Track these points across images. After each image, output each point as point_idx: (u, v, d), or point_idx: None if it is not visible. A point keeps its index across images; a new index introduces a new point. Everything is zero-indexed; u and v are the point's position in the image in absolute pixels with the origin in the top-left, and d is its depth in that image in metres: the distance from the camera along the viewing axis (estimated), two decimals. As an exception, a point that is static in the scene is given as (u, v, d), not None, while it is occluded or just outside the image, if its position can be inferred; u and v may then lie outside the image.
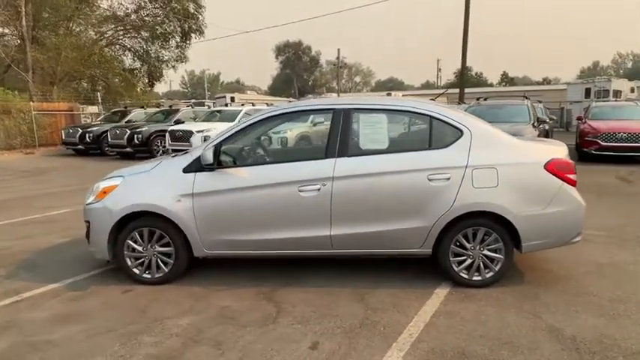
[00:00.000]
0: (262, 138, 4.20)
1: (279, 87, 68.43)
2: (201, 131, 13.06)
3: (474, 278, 3.66)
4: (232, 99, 36.14)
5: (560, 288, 3.63)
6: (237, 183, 3.68)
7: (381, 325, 3.10)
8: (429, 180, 3.54)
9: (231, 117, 14.40)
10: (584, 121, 12.25)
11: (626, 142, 10.63)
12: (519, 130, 8.00)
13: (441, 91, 24.33)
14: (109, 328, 3.14)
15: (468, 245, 3.63)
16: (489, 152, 3.58)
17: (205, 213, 3.69)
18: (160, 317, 3.29)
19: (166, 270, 3.87)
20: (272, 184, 3.65)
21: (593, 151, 10.78)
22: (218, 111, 15.87)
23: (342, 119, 3.71)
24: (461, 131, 3.64)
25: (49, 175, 11.20)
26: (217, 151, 3.67)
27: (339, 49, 34.89)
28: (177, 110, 16.83)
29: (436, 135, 3.68)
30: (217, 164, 3.67)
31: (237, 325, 3.15)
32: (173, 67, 24.80)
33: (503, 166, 3.53)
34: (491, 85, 50.40)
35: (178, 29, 23.25)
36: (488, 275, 3.65)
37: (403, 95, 28.49)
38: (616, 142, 10.70)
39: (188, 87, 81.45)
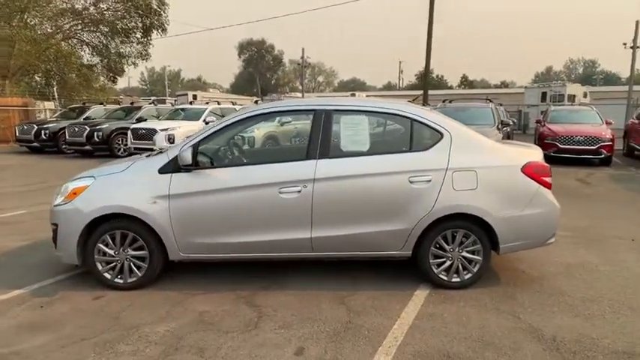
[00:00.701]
0: (239, 138, 4.09)
1: (242, 85, 67.60)
2: (166, 129, 12.67)
3: (453, 280, 3.71)
4: (195, 97, 35.34)
5: (535, 288, 3.75)
6: (215, 184, 3.57)
7: (365, 329, 3.08)
8: (410, 182, 3.56)
9: (195, 115, 14.10)
10: (543, 124, 12.79)
11: (582, 145, 11.18)
12: (484, 132, 8.21)
13: (417, 92, 24.77)
14: (82, 336, 2.97)
15: (447, 247, 3.68)
16: (469, 155, 3.65)
17: (182, 215, 3.56)
18: (136, 324, 3.14)
19: (140, 274, 3.70)
20: (252, 185, 3.56)
21: (552, 154, 11.26)
22: (182, 109, 15.46)
23: (324, 120, 3.67)
24: (441, 134, 3.68)
25: (2, 174, 10.53)
26: (195, 151, 3.55)
27: (303, 49, 34.80)
28: (139, 107, 16.25)
29: (417, 137, 3.72)
30: (195, 165, 3.55)
31: (218, 331, 3.05)
32: (134, 63, 23.96)
33: (482, 168, 3.60)
34: (451, 88, 51.83)
35: (140, 25, 22.44)
36: (466, 277, 3.71)
37: (367, 96, 28.93)
38: (573, 145, 11.23)
39: (147, 84, 79.06)
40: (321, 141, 3.63)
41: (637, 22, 19.70)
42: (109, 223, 3.61)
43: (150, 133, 12.70)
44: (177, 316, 3.27)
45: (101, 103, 18.18)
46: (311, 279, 3.91)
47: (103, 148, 13.81)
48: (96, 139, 13.72)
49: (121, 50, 23.04)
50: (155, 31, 22.70)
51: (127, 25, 22.36)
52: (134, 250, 3.67)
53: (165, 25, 22.69)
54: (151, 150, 12.83)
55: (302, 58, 35.64)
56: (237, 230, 3.62)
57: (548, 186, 3.70)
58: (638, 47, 19.29)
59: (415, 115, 3.74)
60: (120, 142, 14.00)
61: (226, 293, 3.66)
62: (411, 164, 3.60)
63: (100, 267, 3.70)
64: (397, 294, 3.63)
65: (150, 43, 23.24)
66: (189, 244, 3.64)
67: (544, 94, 22.43)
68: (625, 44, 19.98)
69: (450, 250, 3.68)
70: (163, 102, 24.84)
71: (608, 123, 12.31)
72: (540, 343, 2.89)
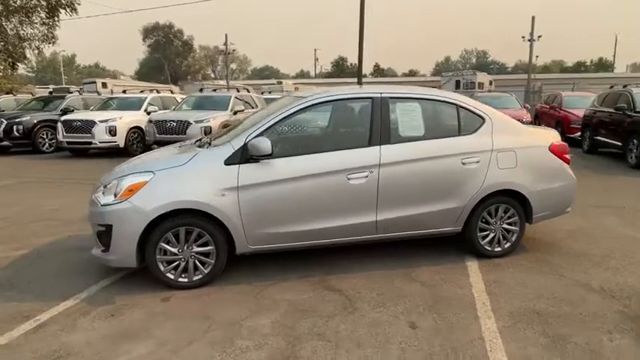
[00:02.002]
0: (301, 126, 4.06)
1: (148, 72, 63.43)
2: (106, 121, 11.67)
3: (495, 250, 4.15)
4: (104, 84, 32.54)
5: (558, 252, 4.33)
6: (285, 173, 3.56)
7: (451, 299, 3.36)
8: (463, 163, 3.90)
9: (132, 105, 13.13)
10: None
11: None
12: None
13: (335, 80, 25.30)
14: (187, 339, 2.84)
15: (491, 220, 4.09)
16: (508, 137, 4.08)
17: (251, 206, 3.50)
18: (234, 319, 3.07)
19: (206, 271, 3.57)
20: (321, 172, 3.62)
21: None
22: (114, 99, 14.24)
23: (382, 107, 3.83)
24: (483, 118, 4.06)
25: None
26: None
27: (226, 35, 33.62)
28: (62, 97, 14.63)
29: (463, 122, 4.05)
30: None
31: (322, 316, 3.12)
32: (38, 48, 21.21)
33: (520, 149, 4.05)
34: (365, 76, 53.85)
35: (44, 3, 19.89)
36: (506, 246, 4.17)
37: (295, 84, 29.04)
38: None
39: (36, 71, 70.50)
40: (382, 128, 3.80)
41: (533, 17, 22.35)
42: (171, 220, 3.42)
43: (87, 126, 11.57)
44: (270, 306, 3.26)
45: (9, 93, 15.99)
46: (368, 261, 4.07)
47: (25, 143, 12.31)
48: (16, 133, 12.17)
49: (21, 32, 20.24)
50: (63, 11, 20.25)
51: (26, 2, 19.68)
52: (199, 246, 3.53)
53: (76, 3, 20.35)
54: (89, 144, 11.85)
55: (225, 44, 34.37)
56: (306, 218, 3.66)
57: (567, 162, 4.26)
58: (534, 40, 21.91)
59: (460, 101, 4.07)
60: (45, 136, 12.57)
61: (297, 281, 3.69)
62: (462, 147, 3.93)
63: (162, 267, 3.50)
64: (453, 267, 3.97)
65: (57, 25, 20.73)
66: (258, 236, 3.60)
67: (458, 82, 24.50)
68: (523, 37, 22.56)
69: (493, 223, 4.10)
70: (67, 91, 22.42)
71: (525, 107, 13.93)
72: (596, 294, 3.42)
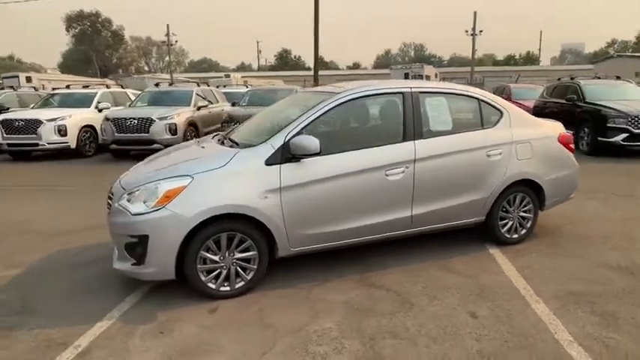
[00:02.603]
0: (336, 123, 3.94)
1: (74, 65, 58.93)
2: (54, 120, 10.72)
3: (513, 237, 4.35)
4: (28, 79, 30.01)
5: (566, 235, 4.63)
6: (326, 172, 3.48)
7: (494, 286, 3.49)
8: (488, 156, 4.03)
9: (80, 102, 12.17)
10: None
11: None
12: None
13: (279, 73, 25.04)
14: (257, 351, 2.71)
15: (510, 209, 4.28)
16: (524, 129, 4.27)
17: (294, 208, 3.39)
18: (297, 326, 2.97)
19: (248, 277, 3.42)
20: (361, 170, 3.58)
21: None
22: (55, 95, 13.06)
23: (413, 102, 3.86)
24: (501, 112, 4.22)
25: None
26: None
27: (168, 25, 31.78)
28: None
29: (485, 116, 4.18)
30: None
31: (384, 314, 3.10)
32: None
33: (534, 140, 4.27)
34: (309, 69, 53.79)
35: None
36: (522, 233, 4.39)
37: (243, 77, 28.36)
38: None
39: None
40: (415, 122, 3.82)
41: (475, 12, 23.55)
42: (213, 226, 3.22)
43: (31, 125, 10.57)
44: (326, 309, 3.19)
45: None
46: (399, 255, 4.09)
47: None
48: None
49: None
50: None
51: None
52: (241, 252, 3.36)
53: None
54: (35, 146, 10.79)
55: (167, 35, 32.57)
56: (346, 217, 3.61)
57: (572, 151, 4.55)
58: (476, 34, 23.11)
59: (481, 95, 4.20)
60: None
61: (339, 281, 3.64)
62: (486, 140, 4.06)
63: (203, 277, 3.29)
64: (478, 255, 4.11)
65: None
66: (299, 238, 3.49)
67: (406, 75, 25.27)
68: (467, 31, 23.72)
69: (512, 212, 4.29)
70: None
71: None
72: (616, 272, 3.70)
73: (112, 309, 3.24)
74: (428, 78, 24.88)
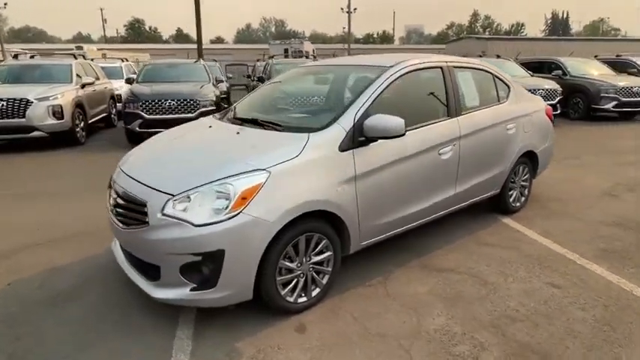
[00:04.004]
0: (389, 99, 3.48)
1: None
2: (45, 98, 8.36)
3: (516, 205, 4.62)
4: None
5: (548, 199, 5.08)
6: (394, 154, 3.15)
7: (543, 255, 3.64)
8: (507, 130, 4.15)
9: (51, 75, 9.52)
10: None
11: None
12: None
13: (133, 46, 22.47)
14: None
15: (515, 180, 4.51)
16: (525, 103, 4.49)
17: (367, 197, 3.01)
18: (411, 327, 2.67)
19: (323, 282, 2.95)
20: (423, 150, 3.34)
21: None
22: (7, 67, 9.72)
23: (450, 77, 3.72)
24: (509, 87, 4.36)
25: None
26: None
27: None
28: None
29: (499, 90, 4.26)
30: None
31: (478, 298, 2.98)
32: None
33: (533, 113, 4.53)
34: (167, 42, 49.45)
35: None
36: (522, 201, 4.69)
37: (99, 49, 24.62)
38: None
39: None
40: (455, 98, 3.69)
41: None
42: (292, 228, 2.66)
43: (19, 107, 8.07)
44: (420, 304, 2.93)
45: None
46: (427, 236, 3.97)
47: None
48: None
49: None
50: None
51: None
52: (316, 254, 2.87)
53: None
54: (25, 131, 7.88)
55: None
56: (409, 201, 3.35)
57: (552, 122, 4.97)
58: (351, 12, 23.86)
59: (493, 70, 4.25)
60: None
61: (401, 270, 3.40)
62: (505, 114, 4.16)
63: (282, 291, 2.73)
64: (498, 226, 4.28)
65: None
66: (370, 230, 3.13)
67: (286, 50, 24.91)
68: (342, 9, 24.30)
69: (516, 182, 4.53)
70: None
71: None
72: (620, 228, 4.20)
73: (171, 353, 2.48)
74: (307, 54, 24.96)
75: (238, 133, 3.14)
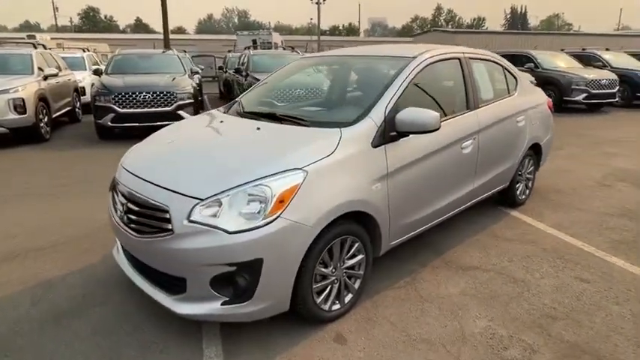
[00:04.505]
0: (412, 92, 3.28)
1: None
2: (6, 91, 7.64)
3: (522, 197, 4.59)
4: None
5: (547, 190, 5.10)
6: (423, 150, 3.00)
7: (562, 249, 3.61)
8: (517, 122, 4.09)
9: (10, 66, 8.68)
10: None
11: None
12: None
13: (88, 35, 21.33)
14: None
15: (522, 172, 4.48)
16: (531, 95, 4.46)
17: (397, 195, 2.85)
18: (453, 331, 2.54)
19: (355, 288, 2.77)
20: (448, 144, 3.21)
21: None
22: None
23: (468, 69, 3.60)
24: (516, 79, 4.30)
25: None
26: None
27: None
28: None
29: (509, 82, 4.19)
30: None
31: (512, 297, 2.90)
32: None
33: (538, 105, 4.50)
34: (124, 32, 47.24)
35: None
36: (527, 193, 4.67)
37: (52, 38, 23.02)
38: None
39: None
40: (473, 90, 3.58)
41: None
42: (329, 231, 2.46)
43: None
44: (457, 305, 2.81)
45: None
46: (439, 235, 3.86)
47: None
48: None
49: None
50: None
51: None
52: (349, 258, 2.69)
53: None
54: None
55: None
56: (434, 197, 3.22)
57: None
58: (320, 3, 23.54)
59: (502, 61, 4.17)
60: None
61: (427, 270, 3.27)
62: (515, 107, 4.10)
63: (317, 299, 2.53)
64: (508, 219, 4.25)
65: None
66: (397, 229, 2.97)
67: (254, 41, 24.20)
68: (311, 0, 23.92)
69: (523, 174, 4.50)
70: None
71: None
72: (624, 218, 4.25)
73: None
74: (276, 45, 24.46)
75: (259, 128, 2.88)
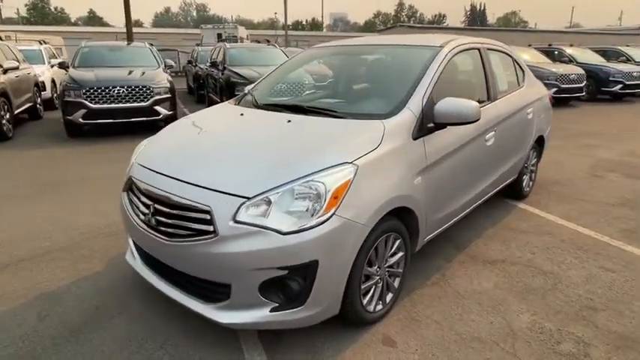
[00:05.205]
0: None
1: None
2: None
3: (527, 189, 4.63)
4: None
5: (544, 182, 5.18)
6: (456, 141, 2.92)
7: (578, 240, 3.64)
8: (527, 114, 4.10)
9: None
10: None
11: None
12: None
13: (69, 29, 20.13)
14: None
15: (528, 164, 4.50)
16: (536, 87, 4.49)
17: (433, 189, 2.75)
18: (500, 328, 2.47)
19: (396, 286, 2.65)
20: (476, 136, 3.15)
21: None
22: None
23: (486, 59, 3.55)
24: (524, 70, 4.31)
25: None
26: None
27: None
28: None
29: (518, 74, 4.19)
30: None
31: (547, 290, 2.87)
32: None
33: (542, 98, 4.54)
34: (77, 24, 44.85)
35: None
36: (531, 184, 4.71)
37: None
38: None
39: None
40: (492, 82, 3.54)
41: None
42: (376, 229, 2.32)
43: None
44: (495, 300, 2.75)
45: None
46: (456, 229, 3.79)
47: None
48: None
49: None
50: None
51: None
52: (391, 256, 2.56)
53: None
54: None
55: None
56: (460, 191, 3.14)
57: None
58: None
59: (513, 53, 4.16)
60: None
61: (454, 265, 3.21)
62: (525, 99, 4.10)
63: (364, 300, 2.39)
64: (517, 211, 4.27)
65: None
66: (431, 224, 2.87)
67: (220, 35, 23.60)
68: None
69: (528, 167, 4.53)
70: None
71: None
72: (625, 208, 4.36)
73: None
74: (242, 39, 23.94)
75: (289, 121, 2.70)
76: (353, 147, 2.31)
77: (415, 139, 2.58)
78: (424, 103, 2.67)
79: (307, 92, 3.87)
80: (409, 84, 2.79)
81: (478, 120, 2.67)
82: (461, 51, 3.22)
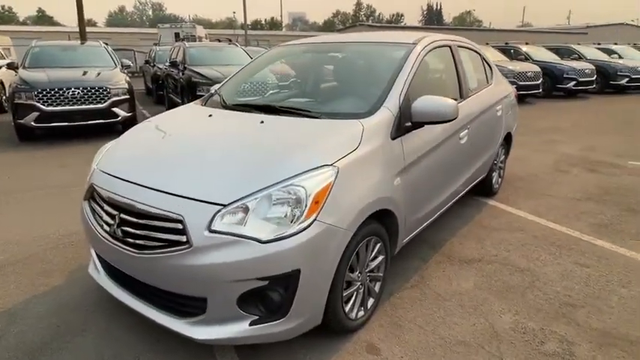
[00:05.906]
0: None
1: None
2: None
3: (496, 186, 4.67)
4: None
5: (523, 178, 5.26)
6: (433, 140, 2.87)
7: (551, 237, 3.67)
8: (497, 112, 4.13)
9: None
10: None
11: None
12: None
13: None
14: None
15: (497, 162, 4.54)
16: (503, 85, 4.53)
17: (410, 190, 2.67)
18: (484, 329, 2.44)
19: (376, 291, 2.57)
20: (451, 134, 3.11)
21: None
22: None
23: (457, 56, 3.54)
24: (491, 68, 4.34)
25: None
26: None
27: None
28: None
29: (487, 71, 4.21)
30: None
31: (526, 288, 2.87)
32: None
33: (509, 95, 4.60)
34: (25, 24, 42.50)
35: None
36: (500, 181, 4.76)
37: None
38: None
39: None
40: (464, 79, 3.53)
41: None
42: (357, 233, 2.23)
43: None
44: (477, 301, 2.71)
45: None
46: (429, 229, 3.79)
47: None
48: None
49: None
50: None
51: None
52: (371, 260, 2.48)
53: None
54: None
55: None
56: (435, 191, 3.10)
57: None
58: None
59: (481, 51, 4.18)
60: None
61: (430, 266, 3.16)
62: (494, 96, 4.13)
63: (346, 307, 2.29)
64: (489, 208, 4.30)
65: None
66: (409, 225, 2.80)
67: (177, 35, 22.93)
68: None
69: (497, 164, 4.57)
70: None
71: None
72: (594, 203, 4.46)
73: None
74: (200, 39, 23.33)
75: (262, 122, 2.56)
76: (332, 148, 2.20)
77: (393, 138, 2.51)
78: (401, 101, 2.60)
79: (271, 92, 3.73)
80: (385, 82, 2.71)
81: (456, 118, 2.63)
82: (434, 48, 3.18)
